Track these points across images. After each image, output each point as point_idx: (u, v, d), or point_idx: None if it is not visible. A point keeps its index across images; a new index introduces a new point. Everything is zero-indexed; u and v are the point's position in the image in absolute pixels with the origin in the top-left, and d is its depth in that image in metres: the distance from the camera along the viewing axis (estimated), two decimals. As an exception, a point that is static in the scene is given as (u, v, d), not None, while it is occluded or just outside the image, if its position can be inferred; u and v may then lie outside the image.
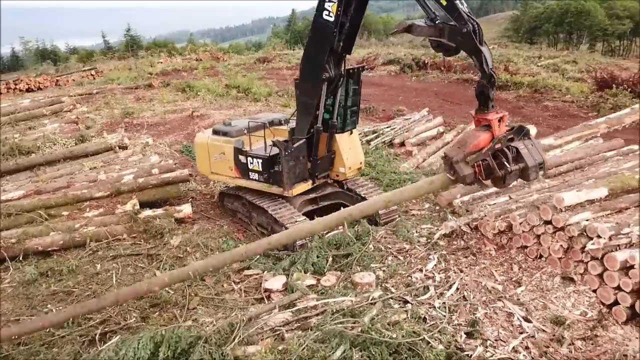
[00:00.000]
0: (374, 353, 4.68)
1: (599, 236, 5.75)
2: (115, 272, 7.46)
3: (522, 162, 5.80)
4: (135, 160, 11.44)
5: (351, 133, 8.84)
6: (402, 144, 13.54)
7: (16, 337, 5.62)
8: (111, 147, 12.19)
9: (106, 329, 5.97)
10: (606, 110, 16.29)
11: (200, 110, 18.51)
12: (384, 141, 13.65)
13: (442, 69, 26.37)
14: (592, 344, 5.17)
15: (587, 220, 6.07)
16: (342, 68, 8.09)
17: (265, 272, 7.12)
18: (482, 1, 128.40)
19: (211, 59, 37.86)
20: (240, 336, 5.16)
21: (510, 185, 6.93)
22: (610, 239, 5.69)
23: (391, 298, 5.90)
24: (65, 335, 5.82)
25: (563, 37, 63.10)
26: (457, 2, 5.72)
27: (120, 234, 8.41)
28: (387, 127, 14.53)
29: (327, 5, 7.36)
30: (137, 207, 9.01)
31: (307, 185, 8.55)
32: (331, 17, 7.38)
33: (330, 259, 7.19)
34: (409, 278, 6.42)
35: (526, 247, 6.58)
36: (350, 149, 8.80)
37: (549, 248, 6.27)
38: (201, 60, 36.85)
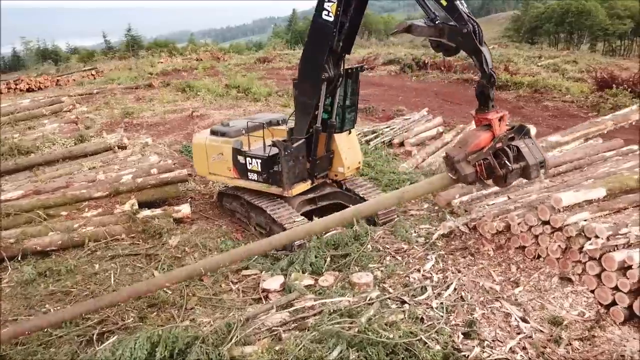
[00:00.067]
0: (370, 353, 4.67)
1: (596, 236, 5.73)
2: (114, 272, 7.46)
3: (523, 160, 5.81)
4: (134, 160, 11.44)
5: (350, 133, 8.86)
6: (402, 144, 13.53)
7: (17, 337, 5.63)
8: (110, 147, 12.21)
9: (104, 329, 5.98)
10: (606, 110, 16.27)
11: (200, 110, 18.51)
12: (384, 141, 13.65)
13: (442, 69, 26.36)
14: (590, 345, 5.16)
15: (585, 220, 6.06)
16: (341, 68, 8.09)
17: (263, 272, 7.12)
18: (483, 1, 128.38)
19: (212, 59, 37.85)
20: (237, 336, 5.15)
21: (512, 185, 6.97)
22: (608, 239, 5.68)
23: (389, 298, 5.89)
24: (62, 335, 5.84)
25: (564, 37, 63.03)
26: (458, 2, 5.74)
27: (119, 234, 8.42)
28: (387, 127, 14.53)
29: (326, 5, 7.37)
30: (136, 207, 9.02)
31: (306, 185, 8.56)
32: (330, 17, 7.38)
33: (329, 259, 7.19)
34: (407, 278, 6.41)
35: (524, 247, 6.57)
36: (349, 148, 8.81)
37: (547, 248, 6.26)
38: (201, 60, 36.84)
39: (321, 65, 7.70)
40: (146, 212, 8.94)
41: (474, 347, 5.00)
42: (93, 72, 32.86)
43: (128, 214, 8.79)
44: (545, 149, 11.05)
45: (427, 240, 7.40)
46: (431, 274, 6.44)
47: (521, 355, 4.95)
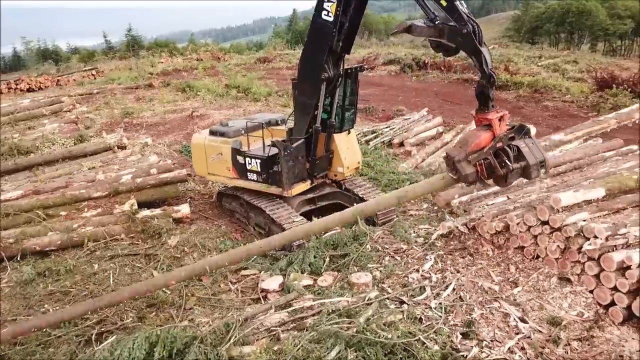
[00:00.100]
0: (369, 353, 4.66)
1: (595, 237, 5.72)
2: (113, 272, 7.47)
3: (524, 160, 5.83)
4: (134, 160, 11.45)
5: (349, 133, 8.86)
6: (401, 144, 13.54)
7: (16, 337, 5.64)
8: (110, 147, 12.21)
9: (102, 329, 5.98)
10: (606, 110, 16.26)
11: (200, 110, 18.52)
12: (383, 141, 13.66)
13: (442, 69, 26.36)
14: (589, 345, 5.15)
15: (584, 220, 6.05)
16: (341, 68, 8.09)
17: (262, 272, 7.12)
18: (483, 1, 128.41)
19: (212, 59, 37.87)
20: (235, 336, 5.15)
21: (512, 184, 6.98)
22: (607, 239, 5.66)
23: (387, 298, 5.88)
24: (61, 335, 5.83)
25: (564, 37, 63.02)
26: (457, 3, 5.75)
27: (118, 234, 8.42)
28: (386, 127, 14.54)
29: (326, 5, 7.37)
30: (135, 207, 9.02)
31: (305, 185, 8.57)
32: (330, 17, 7.38)
33: (328, 259, 7.17)
34: (406, 278, 6.39)
35: (523, 247, 6.56)
36: (348, 148, 8.82)
37: (545, 248, 6.25)
38: (202, 60, 36.86)
39: (321, 65, 7.71)
40: (145, 212, 8.95)
41: (472, 347, 4.99)
42: (93, 72, 32.89)
43: (127, 214, 8.79)
44: (548, 148, 11.14)
45: (426, 241, 7.39)
46: (430, 274, 6.43)
47: (519, 356, 4.94)
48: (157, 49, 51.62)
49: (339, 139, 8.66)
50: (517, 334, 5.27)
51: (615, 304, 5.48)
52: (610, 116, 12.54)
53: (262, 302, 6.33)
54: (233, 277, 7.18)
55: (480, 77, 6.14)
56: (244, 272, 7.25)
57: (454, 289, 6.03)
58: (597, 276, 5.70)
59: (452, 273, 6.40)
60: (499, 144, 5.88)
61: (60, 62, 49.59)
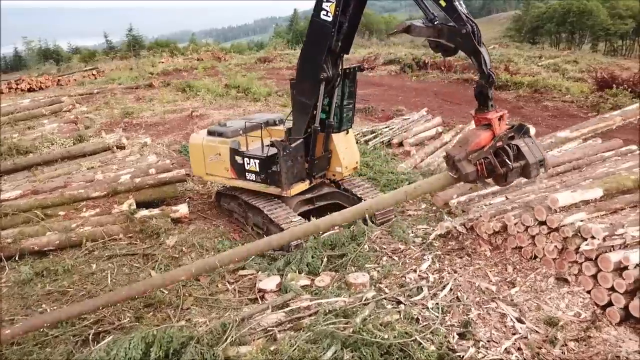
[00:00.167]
0: (365, 354, 4.66)
1: (593, 237, 5.72)
2: (111, 272, 7.47)
3: (523, 159, 5.85)
4: (133, 160, 11.45)
5: (347, 133, 8.86)
6: (401, 144, 13.52)
7: (17, 337, 5.64)
8: (109, 147, 12.21)
9: (100, 329, 5.98)
10: (606, 110, 16.21)
11: (199, 110, 18.51)
12: (382, 141, 13.64)
13: (442, 68, 26.32)
14: (585, 345, 5.14)
15: (581, 221, 6.04)
16: (340, 68, 8.09)
17: (260, 272, 7.12)
18: (484, 1, 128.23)
19: (213, 58, 37.84)
20: (232, 336, 5.15)
21: (512, 184, 6.99)
22: (604, 239, 5.66)
23: (384, 299, 5.88)
24: (58, 335, 5.84)
25: (565, 37, 62.91)
26: (456, 3, 5.76)
27: (117, 233, 8.42)
28: (386, 127, 14.52)
29: (325, 5, 7.36)
30: (134, 207, 9.02)
31: (304, 185, 8.56)
32: (329, 17, 7.38)
33: (325, 259, 7.19)
34: (403, 279, 6.40)
35: (521, 247, 6.56)
36: (346, 148, 8.82)
37: (543, 249, 6.25)
38: (202, 60, 36.85)
39: (320, 65, 7.70)
40: (144, 212, 8.94)
41: (469, 347, 4.99)
42: (94, 72, 32.90)
43: (126, 213, 8.80)
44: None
45: (424, 241, 7.39)
46: (427, 274, 6.43)
47: (516, 356, 4.94)
48: (158, 49, 51.59)
49: (338, 138, 8.65)
50: (514, 334, 5.28)
51: (613, 305, 5.48)
52: (616, 113, 12.64)
53: (260, 302, 6.33)
54: (231, 277, 7.18)
55: (479, 77, 6.16)
56: (241, 272, 7.26)
57: (451, 289, 6.03)
58: (594, 276, 5.70)
59: (449, 273, 6.40)
60: (499, 143, 5.90)
61: (61, 62, 49.56)
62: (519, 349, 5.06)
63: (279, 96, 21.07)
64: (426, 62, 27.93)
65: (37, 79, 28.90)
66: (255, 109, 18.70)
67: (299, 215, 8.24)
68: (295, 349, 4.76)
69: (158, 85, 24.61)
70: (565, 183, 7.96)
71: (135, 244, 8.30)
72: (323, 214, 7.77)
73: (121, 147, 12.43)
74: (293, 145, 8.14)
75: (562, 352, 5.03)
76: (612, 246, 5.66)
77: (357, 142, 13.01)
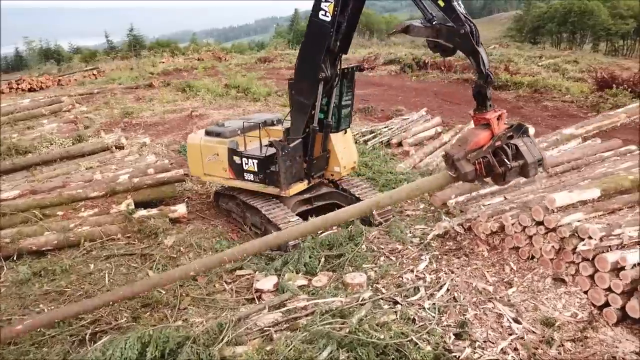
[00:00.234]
0: (360, 354, 4.65)
1: (590, 237, 5.70)
2: (108, 272, 7.47)
3: (522, 159, 5.86)
4: (132, 160, 11.45)
5: (345, 132, 8.86)
6: (400, 144, 13.52)
7: (16, 336, 5.64)
8: (108, 147, 12.22)
9: (97, 329, 5.98)
10: (605, 110, 16.20)
11: (199, 110, 18.52)
12: (382, 141, 13.64)
13: (442, 68, 26.32)
14: (582, 346, 5.13)
15: (578, 221, 6.03)
16: (338, 68, 8.09)
17: (257, 272, 7.12)
18: (485, 1, 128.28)
19: (213, 58, 37.88)
20: (229, 336, 5.14)
21: (510, 183, 7.00)
22: (601, 240, 5.64)
23: (381, 299, 5.87)
24: (55, 335, 5.84)
25: (566, 37, 62.90)
26: (455, 3, 5.76)
27: (115, 233, 8.43)
28: (385, 127, 14.51)
29: (323, 5, 7.36)
30: (132, 207, 9.02)
31: (303, 185, 8.56)
32: (328, 17, 7.38)
33: (323, 259, 7.18)
34: (400, 279, 6.39)
35: (518, 248, 6.54)
36: (344, 148, 8.82)
37: (540, 249, 6.23)
38: (203, 60, 36.88)
39: (318, 65, 7.70)
40: (142, 212, 8.94)
41: (465, 347, 4.97)
42: (95, 72, 32.94)
43: (124, 213, 8.80)
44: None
45: (422, 241, 7.38)
46: (424, 274, 6.41)
47: (512, 356, 4.92)
48: (159, 49, 51.66)
49: (336, 138, 8.66)
50: (511, 334, 5.25)
51: (610, 305, 5.46)
52: (620, 110, 12.76)
53: (257, 302, 6.33)
54: (228, 277, 7.19)
55: (477, 77, 6.17)
56: (239, 272, 7.26)
57: (448, 290, 6.02)
58: (591, 277, 5.69)
59: (446, 273, 6.38)
60: (498, 143, 5.91)
61: (62, 62, 49.63)
62: (516, 349, 5.04)
63: (279, 96, 21.09)
64: (426, 62, 27.94)
65: (37, 79, 28.93)
66: (255, 109, 18.71)
67: (297, 215, 8.24)
68: (291, 349, 4.75)
69: (158, 85, 24.63)
70: (564, 183, 7.95)
71: (134, 244, 8.31)
72: (321, 214, 7.76)
73: (120, 147, 12.44)
74: (292, 145, 8.14)
75: (559, 353, 5.01)
76: (609, 246, 5.64)
77: (356, 142, 13.05)
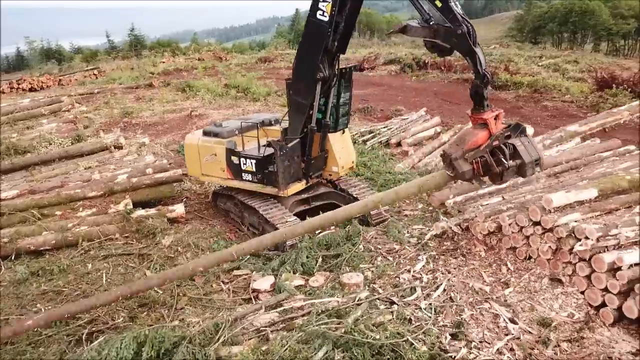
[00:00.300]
0: (356, 354, 4.65)
1: (586, 237, 5.69)
2: (106, 271, 7.47)
3: (519, 158, 5.89)
4: (130, 160, 11.46)
5: (343, 132, 8.85)
6: (399, 144, 13.51)
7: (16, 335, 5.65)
8: (107, 146, 12.23)
9: (94, 329, 5.97)
10: (605, 110, 16.18)
11: (199, 110, 18.53)
12: (381, 141, 13.63)
13: (442, 68, 26.31)
14: (578, 346, 5.12)
15: (575, 221, 6.02)
16: (336, 68, 8.08)
17: (254, 272, 7.12)
18: (486, 1, 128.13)
19: (214, 58, 37.91)
20: (224, 336, 5.15)
21: (508, 182, 7.00)
22: (598, 240, 5.63)
23: (378, 299, 5.87)
24: (52, 334, 5.83)
25: (567, 37, 62.85)
26: (452, 4, 5.79)
27: (113, 233, 8.42)
28: (384, 127, 14.50)
29: (321, 5, 7.36)
30: (130, 206, 9.02)
31: (301, 185, 8.55)
32: (325, 17, 7.38)
33: (320, 259, 7.18)
34: (397, 279, 6.38)
35: (515, 248, 6.54)
36: (342, 148, 8.82)
37: (537, 249, 6.22)
38: (203, 60, 36.91)
39: (316, 65, 7.70)
40: (140, 212, 8.94)
41: (460, 348, 4.97)
42: (95, 71, 33.00)
43: (122, 213, 8.80)
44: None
45: (420, 241, 7.37)
46: (421, 274, 6.41)
47: (508, 357, 4.92)
48: (160, 49, 51.72)
49: (334, 138, 8.65)
50: (507, 335, 5.25)
51: (606, 305, 5.45)
52: (623, 108, 12.81)
53: (254, 302, 6.33)
54: (225, 277, 7.18)
55: (474, 78, 6.20)
56: (236, 272, 7.26)
57: (444, 290, 6.01)
58: (588, 277, 5.68)
59: (443, 274, 6.38)
60: (496, 142, 5.94)
61: (63, 62, 49.69)
62: (512, 349, 5.03)
63: (278, 96, 21.09)
64: (426, 62, 27.94)
65: (38, 79, 29.00)
66: (255, 109, 18.72)
67: (294, 215, 8.24)
68: (286, 349, 4.76)
69: (158, 85, 24.65)
70: (563, 183, 7.94)
71: (131, 243, 8.30)
72: (319, 214, 7.76)
73: (119, 147, 12.44)
74: (290, 145, 8.14)
75: (555, 353, 5.00)
76: (606, 247, 5.64)
77: (355, 142, 13.06)
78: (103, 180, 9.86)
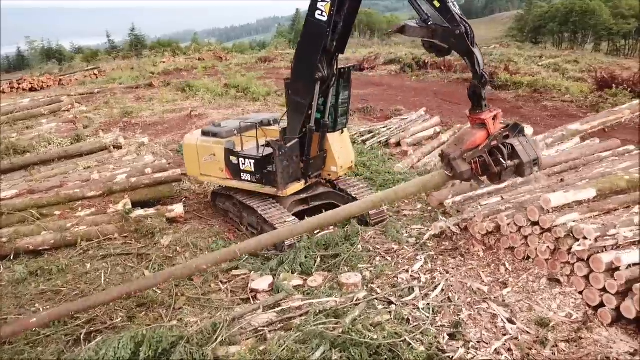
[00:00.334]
0: (353, 354, 4.64)
1: (585, 238, 5.69)
2: (105, 271, 7.47)
3: (517, 158, 5.90)
4: (130, 159, 11.46)
5: (342, 132, 8.85)
6: (398, 144, 13.49)
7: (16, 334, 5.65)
8: (106, 146, 12.23)
9: (92, 329, 5.97)
10: (605, 110, 16.16)
11: (198, 110, 18.54)
12: (380, 141, 13.62)
13: (442, 68, 26.30)
14: (576, 346, 5.11)
15: (574, 221, 6.02)
16: (335, 67, 8.08)
17: (253, 272, 7.12)
18: (487, 1, 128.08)
19: (214, 58, 37.93)
20: (222, 336, 5.14)
21: (506, 182, 7.00)
22: (596, 240, 5.63)
23: (376, 299, 5.87)
24: (50, 334, 5.84)
25: (568, 37, 62.79)
26: (450, 4, 5.79)
27: (112, 233, 8.42)
28: (384, 127, 14.49)
29: (319, 5, 7.36)
30: (129, 206, 9.02)
31: (300, 185, 8.55)
32: (324, 16, 7.37)
33: (319, 259, 7.18)
34: (395, 279, 6.39)
35: (514, 248, 6.53)
36: (341, 148, 8.81)
37: (536, 249, 6.22)
38: (204, 59, 36.92)
39: (315, 65, 7.69)
40: (139, 212, 8.94)
41: (458, 348, 4.97)
42: (96, 71, 33.02)
43: (121, 213, 8.80)
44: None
45: (418, 241, 7.38)
46: (419, 274, 6.41)
47: (506, 357, 4.92)
48: (160, 49, 51.74)
49: (333, 138, 8.64)
50: (505, 335, 5.25)
51: (604, 306, 5.45)
52: (625, 106, 12.85)
53: (252, 302, 6.33)
54: (224, 277, 7.18)
55: (472, 78, 6.20)
56: (234, 272, 7.25)
57: (442, 290, 6.01)
58: (586, 277, 5.68)
59: (441, 274, 6.38)
60: (494, 142, 5.95)
61: (63, 62, 49.71)
62: (509, 349, 5.03)
63: (278, 96, 21.08)
64: (426, 61, 27.92)
65: (38, 79, 29.04)
66: (255, 109, 18.72)
67: (293, 215, 8.23)
68: (284, 349, 4.75)
69: (158, 85, 24.67)
70: (562, 183, 7.93)
71: (130, 243, 8.30)
72: (317, 214, 7.75)
73: (118, 147, 12.45)
74: (289, 145, 8.13)
75: (553, 353, 5.00)
76: (604, 247, 5.64)
77: (354, 142, 13.06)
78: (102, 180, 9.86)
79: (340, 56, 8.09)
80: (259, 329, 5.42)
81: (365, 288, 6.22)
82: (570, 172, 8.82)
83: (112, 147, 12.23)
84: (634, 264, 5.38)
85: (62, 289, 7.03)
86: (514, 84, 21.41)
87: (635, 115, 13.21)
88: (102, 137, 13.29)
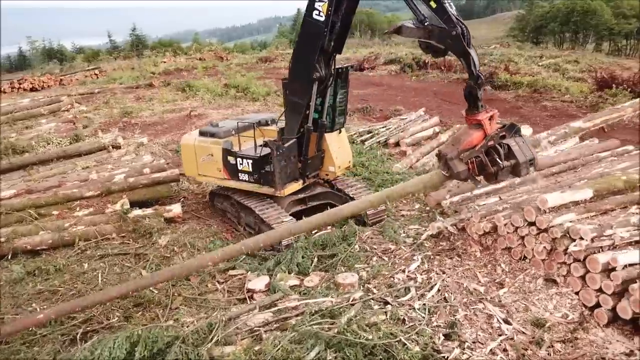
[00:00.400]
0: (348, 354, 4.64)
1: (581, 238, 5.68)
2: (102, 271, 7.48)
3: (514, 158, 5.94)
4: (128, 159, 11.47)
5: (340, 132, 8.85)
6: (397, 144, 13.48)
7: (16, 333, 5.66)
8: (104, 146, 12.24)
9: (88, 329, 5.99)
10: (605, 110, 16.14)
11: (198, 110, 18.55)
12: (379, 141, 13.61)
13: (442, 68, 26.26)
14: (572, 347, 5.10)
15: (570, 221, 6.00)
16: (332, 67, 8.08)
17: (250, 272, 7.11)
18: (488, 1, 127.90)
19: (215, 58, 37.93)
20: (218, 336, 5.14)
21: (502, 182, 7.00)
22: (592, 240, 5.62)
23: (372, 299, 5.86)
24: (47, 334, 5.85)
25: (569, 37, 62.63)
26: (446, 5, 5.81)
27: (110, 233, 8.43)
28: (383, 127, 14.48)
29: (317, 5, 7.37)
30: (127, 206, 9.02)
31: (298, 185, 8.55)
32: (322, 16, 7.38)
33: (316, 259, 7.18)
34: (392, 279, 6.38)
35: (510, 248, 6.52)
36: (339, 148, 8.81)
37: (532, 249, 6.21)
38: (205, 59, 36.93)
39: (312, 65, 7.69)
40: (137, 212, 8.94)
41: (453, 348, 4.96)
42: (96, 71, 33.03)
43: (119, 213, 8.80)
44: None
45: (415, 241, 7.37)
46: (416, 274, 6.40)
47: (501, 357, 4.91)
48: (161, 49, 51.74)
49: (330, 138, 8.65)
50: (500, 335, 5.24)
51: (600, 306, 5.44)
52: (627, 104, 12.89)
53: (248, 302, 6.33)
54: (220, 277, 7.18)
55: (468, 79, 6.22)
56: (231, 272, 7.26)
57: (438, 290, 6.00)
58: (582, 278, 5.66)
59: (437, 274, 6.37)
60: (491, 142, 5.98)
61: (64, 62, 49.72)
62: (505, 350, 5.02)
63: (278, 96, 21.05)
64: (426, 62, 27.88)
65: (39, 79, 29.06)
66: (254, 109, 18.72)
67: (291, 215, 8.23)
68: (279, 349, 4.75)
69: (158, 85, 24.68)
70: (560, 183, 7.92)
71: (128, 243, 8.31)
72: (315, 214, 7.76)
73: (117, 147, 12.45)
74: (286, 145, 8.13)
75: (548, 354, 4.99)
76: (601, 247, 5.62)
77: (353, 142, 13.05)
78: (100, 180, 9.87)
79: (340, 56, 8.09)
80: (255, 329, 5.42)
81: (361, 288, 6.22)
82: (569, 173, 8.81)
83: (110, 147, 12.24)
84: (630, 265, 5.36)
85: (60, 288, 7.05)
86: (513, 84, 21.38)
87: (636, 114, 13.23)
88: (101, 137, 13.31)
